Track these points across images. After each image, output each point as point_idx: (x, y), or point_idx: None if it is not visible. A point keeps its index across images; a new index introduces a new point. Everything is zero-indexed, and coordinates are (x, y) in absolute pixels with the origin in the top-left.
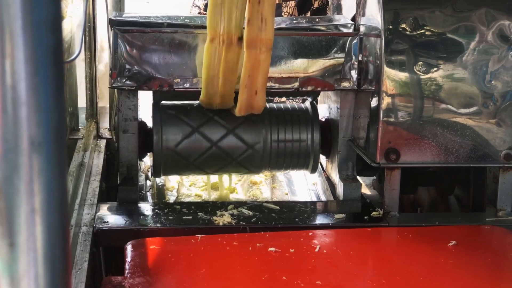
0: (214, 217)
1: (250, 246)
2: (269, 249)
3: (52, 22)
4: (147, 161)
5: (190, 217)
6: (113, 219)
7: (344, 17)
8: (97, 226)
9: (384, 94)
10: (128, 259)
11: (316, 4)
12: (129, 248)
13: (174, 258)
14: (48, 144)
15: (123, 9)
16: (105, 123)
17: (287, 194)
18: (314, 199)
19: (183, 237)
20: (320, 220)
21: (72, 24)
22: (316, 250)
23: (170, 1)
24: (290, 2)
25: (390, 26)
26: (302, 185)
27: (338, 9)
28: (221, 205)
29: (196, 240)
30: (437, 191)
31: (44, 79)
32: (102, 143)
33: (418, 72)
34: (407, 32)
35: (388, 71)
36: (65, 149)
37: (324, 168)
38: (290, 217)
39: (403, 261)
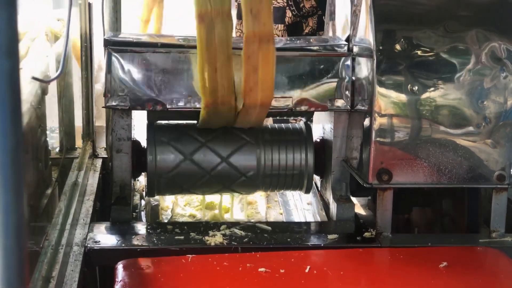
0: (206, 237)
1: (240, 267)
2: (259, 269)
3: (8, 46)
4: (142, 180)
5: (182, 237)
6: (105, 239)
7: (339, 38)
8: (88, 245)
9: (376, 115)
10: (118, 279)
11: (306, 30)
12: (118, 268)
13: (163, 278)
14: (4, 168)
15: (120, 29)
16: (102, 142)
17: (281, 214)
18: (309, 219)
19: (173, 257)
20: (312, 240)
21: (69, 44)
22: (306, 270)
23: (182, 21)
24: (279, 25)
25: (382, 47)
26: (297, 205)
27: (333, 28)
28: (214, 225)
29: (186, 260)
30: (433, 212)
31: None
32: (98, 162)
33: (410, 93)
34: (399, 53)
35: (379, 92)
36: (22, 173)
37: (319, 188)
38: (282, 237)
39: (392, 282)
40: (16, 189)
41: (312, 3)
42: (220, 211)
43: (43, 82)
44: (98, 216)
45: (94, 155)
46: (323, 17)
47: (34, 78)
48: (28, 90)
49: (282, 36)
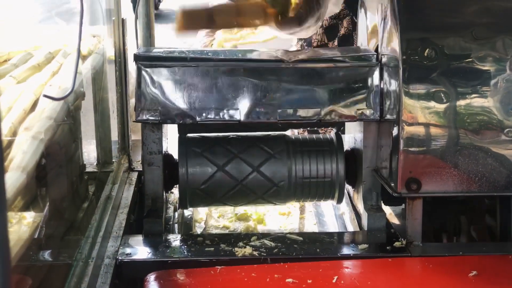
0: (236, 249)
1: (268, 277)
2: (287, 280)
3: None
4: (176, 193)
5: (212, 248)
6: (136, 251)
7: (367, 47)
8: (119, 258)
9: (403, 124)
10: None
11: (342, 31)
12: (148, 280)
13: None
14: None
15: (154, 44)
16: (139, 156)
17: (315, 224)
18: (342, 229)
19: (202, 268)
20: (341, 250)
21: (104, 59)
22: (334, 281)
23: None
24: (319, 29)
25: (408, 56)
26: (331, 215)
27: (363, 35)
28: (245, 236)
29: (215, 271)
30: (467, 220)
31: None
32: (134, 176)
33: (437, 101)
34: (425, 61)
35: (406, 101)
36: (3, 188)
37: (351, 198)
38: (312, 248)
39: None
40: None
41: (344, 5)
42: (254, 223)
43: (53, 100)
44: (133, 228)
45: (130, 169)
46: (354, 17)
47: (45, 96)
48: (52, 107)
49: (321, 38)
